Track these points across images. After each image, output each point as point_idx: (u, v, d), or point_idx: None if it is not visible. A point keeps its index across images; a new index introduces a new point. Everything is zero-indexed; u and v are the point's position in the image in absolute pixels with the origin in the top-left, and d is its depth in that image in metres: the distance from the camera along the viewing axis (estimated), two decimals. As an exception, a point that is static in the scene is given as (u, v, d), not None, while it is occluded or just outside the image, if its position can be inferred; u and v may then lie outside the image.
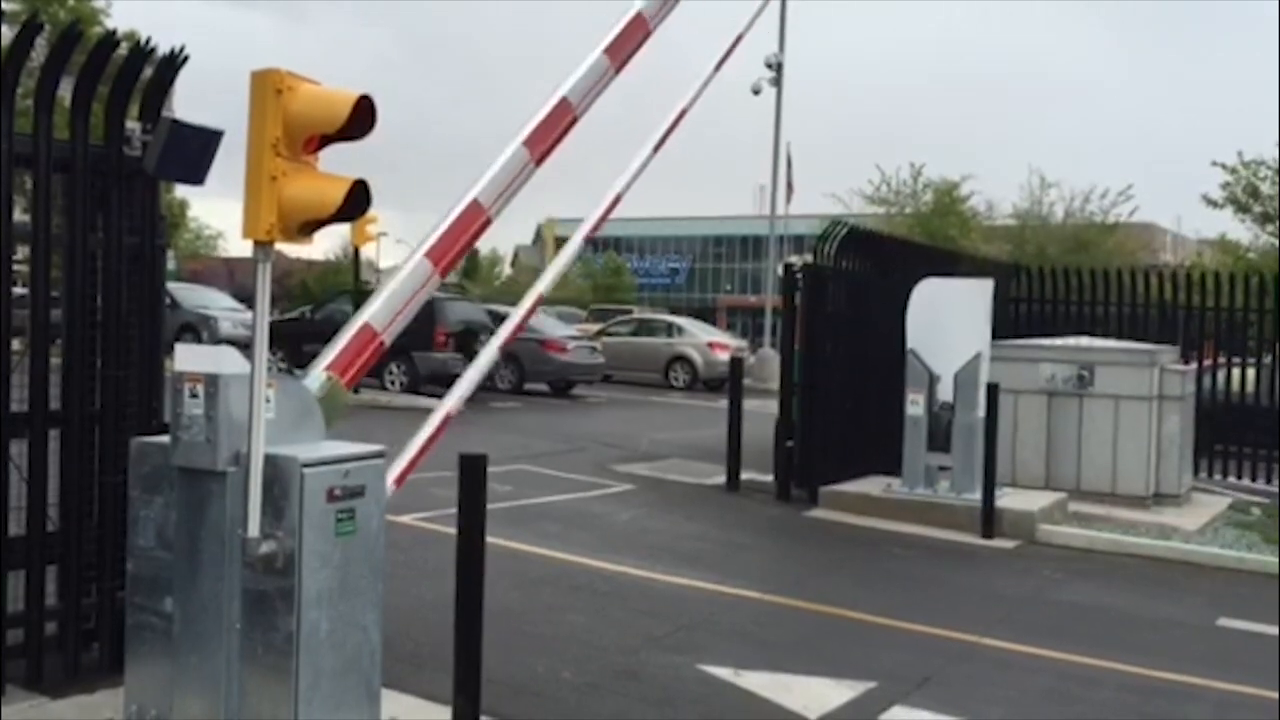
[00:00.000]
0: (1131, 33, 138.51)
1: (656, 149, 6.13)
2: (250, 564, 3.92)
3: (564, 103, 5.35)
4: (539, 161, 5.23)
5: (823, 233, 11.71)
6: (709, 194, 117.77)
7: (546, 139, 5.25)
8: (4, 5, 13.04)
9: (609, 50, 5.59)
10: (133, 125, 5.06)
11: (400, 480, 4.69)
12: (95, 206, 5.04)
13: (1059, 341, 12.40)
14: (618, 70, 5.65)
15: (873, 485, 10.91)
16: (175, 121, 4.30)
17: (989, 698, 5.83)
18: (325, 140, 4.00)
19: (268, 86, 3.75)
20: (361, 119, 3.86)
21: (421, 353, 19.64)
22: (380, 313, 4.77)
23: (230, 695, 3.99)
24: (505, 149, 5.16)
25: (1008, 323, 14.14)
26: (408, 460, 4.77)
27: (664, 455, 13.25)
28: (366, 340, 4.69)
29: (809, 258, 11.76)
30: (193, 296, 24.86)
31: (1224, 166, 27.57)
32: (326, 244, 58.82)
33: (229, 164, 4.02)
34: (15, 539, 4.86)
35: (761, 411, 13.40)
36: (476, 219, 5.05)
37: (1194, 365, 13.13)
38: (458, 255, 5.03)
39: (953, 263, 14.34)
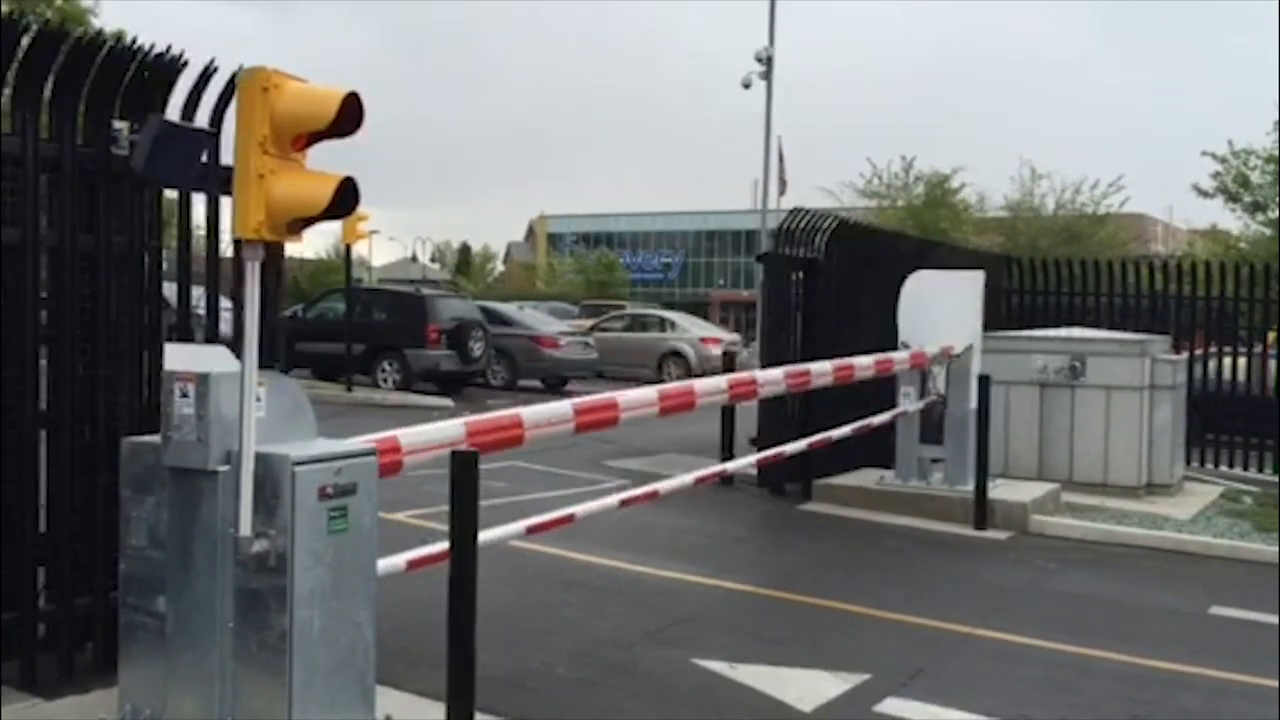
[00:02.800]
0: (1121, 22, 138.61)
1: None
2: (243, 562, 3.92)
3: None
4: None
5: (782, 223, 11.51)
6: (702, 188, 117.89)
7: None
8: (-8, 6, 12.94)
9: None
10: (120, 125, 5.05)
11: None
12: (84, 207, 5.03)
13: (1051, 332, 12.43)
14: None
15: (866, 478, 10.93)
16: (164, 121, 4.30)
17: (982, 688, 5.85)
18: (314, 138, 4.00)
19: (255, 84, 3.75)
20: (350, 116, 3.85)
21: (414, 350, 19.63)
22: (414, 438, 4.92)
23: (224, 694, 3.99)
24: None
25: (1000, 314, 14.16)
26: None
27: (657, 450, 13.24)
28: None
29: (802, 249, 11.74)
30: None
31: (1214, 156, 27.64)
32: (319, 242, 58.74)
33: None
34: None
35: (755, 406, 13.38)
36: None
37: (1185, 355, 13.16)
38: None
39: (927, 250, 14.17)
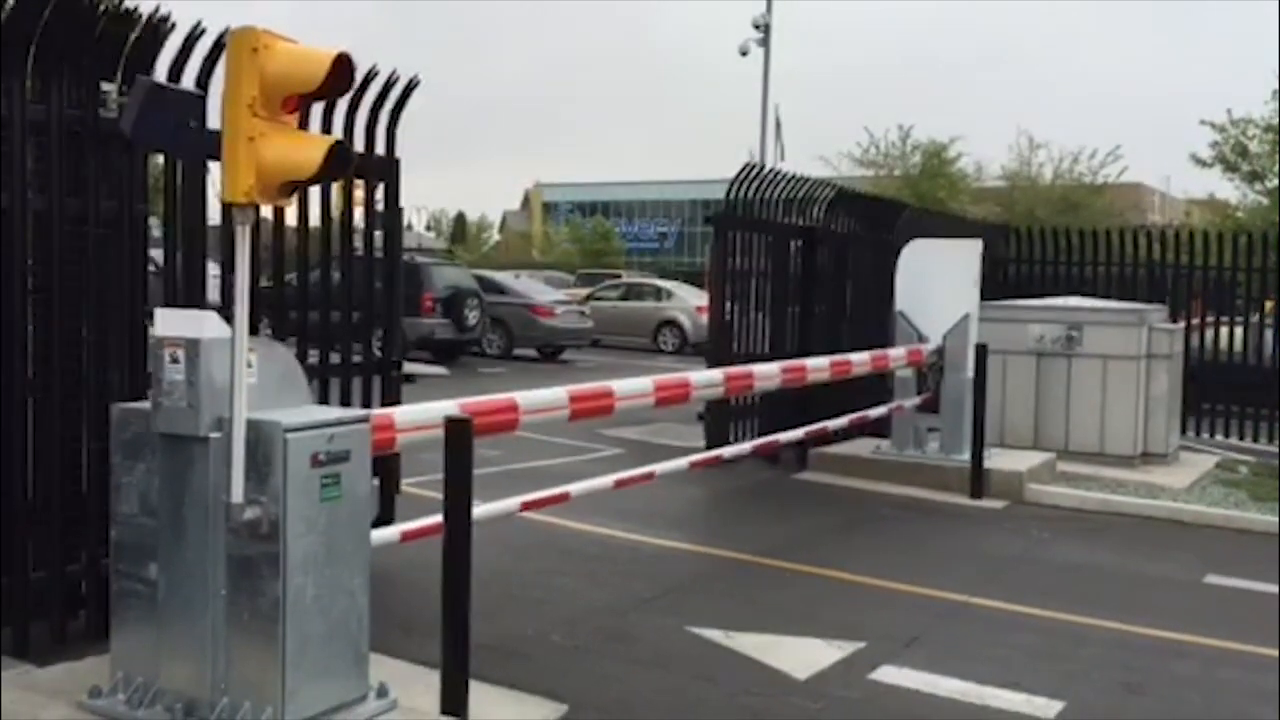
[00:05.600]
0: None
1: None
2: (234, 530, 3.90)
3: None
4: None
5: (731, 191, 10.86)
6: (699, 157, 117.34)
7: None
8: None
9: None
10: (109, 87, 4.99)
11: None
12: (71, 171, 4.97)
13: (1047, 302, 12.39)
14: None
15: (861, 447, 10.92)
16: (153, 83, 4.23)
17: (976, 656, 5.85)
18: (304, 100, 3.95)
19: (244, 45, 3.69)
20: (340, 78, 3.80)
21: (409, 318, 19.54)
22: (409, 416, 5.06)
23: (216, 661, 3.98)
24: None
25: (997, 284, 14.10)
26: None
27: (653, 420, 13.22)
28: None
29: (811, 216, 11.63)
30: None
31: (1212, 125, 27.56)
32: (312, 210, 58.29)
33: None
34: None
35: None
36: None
37: (1182, 324, 13.13)
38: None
39: (894, 214, 13.68)
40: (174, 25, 5.12)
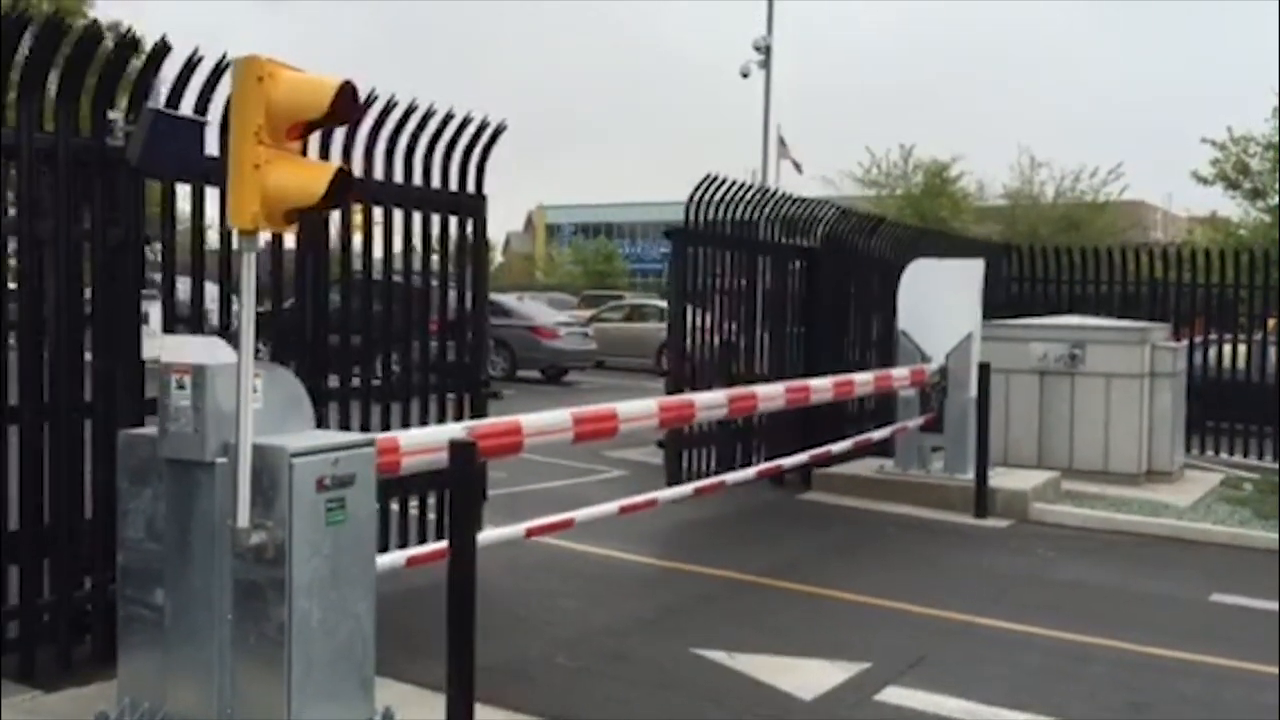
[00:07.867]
0: (1120, 8, 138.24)
1: None
2: (240, 554, 3.92)
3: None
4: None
5: (689, 205, 10.21)
6: (702, 175, 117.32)
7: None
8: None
9: None
10: (115, 115, 5.04)
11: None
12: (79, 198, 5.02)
13: (1050, 320, 12.41)
14: None
15: (866, 467, 10.92)
16: (158, 111, 4.28)
17: (982, 676, 5.84)
18: (309, 127, 3.99)
19: (249, 74, 3.73)
20: (345, 105, 3.84)
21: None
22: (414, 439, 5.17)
23: (223, 685, 3.99)
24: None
25: (1000, 303, 14.13)
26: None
27: (655, 441, 13.23)
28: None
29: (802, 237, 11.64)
30: (184, 289, 24.71)
31: (1213, 143, 27.58)
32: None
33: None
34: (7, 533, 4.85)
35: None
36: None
37: (1185, 342, 13.14)
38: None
39: (873, 226, 13.24)
40: (169, 49, 5.17)
